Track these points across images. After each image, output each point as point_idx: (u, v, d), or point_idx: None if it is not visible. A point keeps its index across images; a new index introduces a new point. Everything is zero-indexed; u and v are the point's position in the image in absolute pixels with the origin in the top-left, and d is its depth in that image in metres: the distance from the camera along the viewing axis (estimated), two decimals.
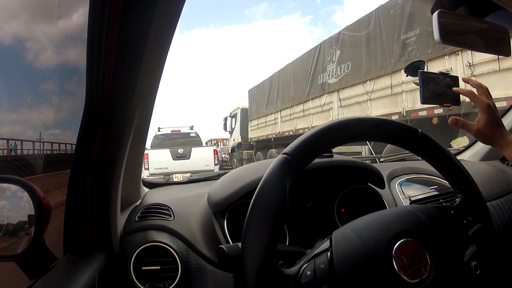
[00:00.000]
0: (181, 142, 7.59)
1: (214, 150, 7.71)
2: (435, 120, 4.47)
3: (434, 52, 4.48)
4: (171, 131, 8.09)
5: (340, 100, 6.63)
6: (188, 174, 5.87)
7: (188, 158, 7.21)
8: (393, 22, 5.25)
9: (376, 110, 5.64)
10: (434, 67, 4.45)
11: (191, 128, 8.22)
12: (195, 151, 7.36)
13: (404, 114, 5.00)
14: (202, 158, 7.23)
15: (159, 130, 8.14)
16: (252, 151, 11.36)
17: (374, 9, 5.76)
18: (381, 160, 1.41)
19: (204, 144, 7.94)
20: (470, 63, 4.08)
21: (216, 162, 7.44)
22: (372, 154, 4.53)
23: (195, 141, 7.78)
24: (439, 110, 4.39)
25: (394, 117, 5.10)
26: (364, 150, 5.80)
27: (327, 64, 7.06)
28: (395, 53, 5.18)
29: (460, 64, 4.20)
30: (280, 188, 0.48)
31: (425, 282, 0.46)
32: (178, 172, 6.71)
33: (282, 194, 0.47)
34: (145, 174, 6.67)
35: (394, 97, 5.24)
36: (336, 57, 6.77)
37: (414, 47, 4.84)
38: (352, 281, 0.45)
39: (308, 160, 0.51)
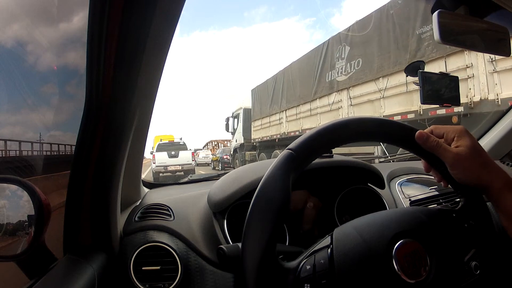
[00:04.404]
0: (173, 148, 12.42)
1: (192, 152, 12.84)
2: (455, 119, 4.23)
3: (453, 47, 4.40)
4: (168, 141, 13.55)
5: (350, 98, 6.33)
6: (179, 167, 11.75)
7: (177, 157, 12.01)
8: (407, 16, 4.99)
9: (389, 108, 5.39)
10: (453, 63, 4.29)
11: (180, 139, 13.75)
12: (181, 153, 12.19)
13: (421, 112, 4.72)
14: (185, 157, 12.20)
15: (161, 141, 13.18)
16: (255, 152, 11.21)
17: (386, 2, 5.53)
18: (381, 160, 1.41)
19: (189, 148, 12.92)
20: (492, 59, 3.86)
21: (193, 159, 12.82)
22: (385, 154, 4.35)
23: (182, 146, 12.68)
24: (459, 109, 4.12)
25: (410, 116, 4.89)
26: (377, 150, 5.54)
27: (336, 61, 6.77)
28: (410, 48, 4.91)
29: (481, 60, 3.98)
30: (284, 183, 0.48)
31: (425, 282, 0.46)
32: (171, 165, 11.72)
33: (285, 189, 0.47)
34: (152, 167, 11.87)
35: (410, 94, 4.93)
36: (346, 53, 6.48)
37: (431, 42, 4.56)
38: (351, 277, 0.45)
39: (311, 157, 0.51)
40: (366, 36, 5.91)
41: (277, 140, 9.35)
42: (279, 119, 9.30)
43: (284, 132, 8.99)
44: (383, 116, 5.35)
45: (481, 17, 0.77)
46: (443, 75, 0.84)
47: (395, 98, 5.29)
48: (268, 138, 9.96)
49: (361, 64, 6.05)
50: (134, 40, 0.52)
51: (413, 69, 0.87)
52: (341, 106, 6.64)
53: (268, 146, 10.22)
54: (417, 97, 4.73)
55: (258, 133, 10.79)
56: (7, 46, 0.76)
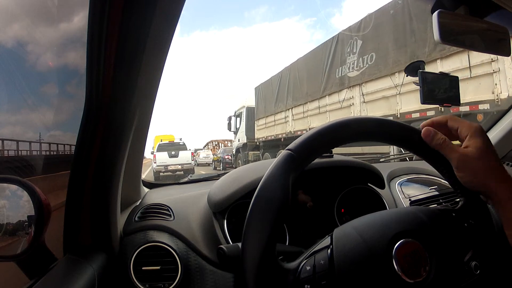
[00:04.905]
0: (173, 148, 12.98)
1: (191, 152, 13.49)
2: (480, 117, 3.97)
3: None
4: (168, 141, 14.17)
5: (362, 95, 5.98)
6: (179, 166, 12.41)
7: (177, 157, 12.54)
8: (424, 7, 4.63)
9: (406, 105, 5.09)
10: (476, 56, 4.05)
11: (180, 139, 14.40)
12: (181, 153, 12.72)
13: (442, 109, 4.37)
14: (185, 157, 12.72)
15: (161, 141, 13.68)
16: (258, 152, 10.86)
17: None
18: (381, 160, 1.41)
19: (188, 149, 13.51)
20: None
21: (193, 159, 13.56)
22: (401, 153, 4.06)
23: (182, 147, 13.22)
24: (484, 106, 3.90)
25: (430, 113, 4.59)
26: (392, 150, 5.13)
27: (347, 56, 6.39)
28: (429, 42, 4.62)
29: None
30: (284, 182, 0.48)
31: (425, 282, 0.46)
32: (172, 164, 12.27)
33: (285, 188, 0.47)
34: (153, 166, 12.43)
35: None
36: (357, 48, 6.12)
37: None
38: (351, 278, 0.45)
39: (311, 157, 0.52)
40: (380, 29, 5.59)
41: (282, 139, 8.97)
42: (285, 118, 8.93)
43: (290, 131, 8.60)
44: (400, 113, 5.15)
45: (481, 17, 0.77)
46: (443, 75, 0.84)
47: (413, 94, 4.88)
48: (273, 137, 9.57)
49: (375, 59, 5.70)
50: (134, 40, 0.52)
51: (413, 69, 0.87)
52: (352, 103, 6.26)
53: (272, 145, 9.82)
54: None
55: (262, 132, 10.39)
56: (7, 46, 0.76)
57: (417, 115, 4.84)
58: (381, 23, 5.58)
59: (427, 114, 4.68)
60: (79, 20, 0.61)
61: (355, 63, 6.19)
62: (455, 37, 0.75)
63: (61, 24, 0.76)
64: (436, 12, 0.70)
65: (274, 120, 9.57)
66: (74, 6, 0.74)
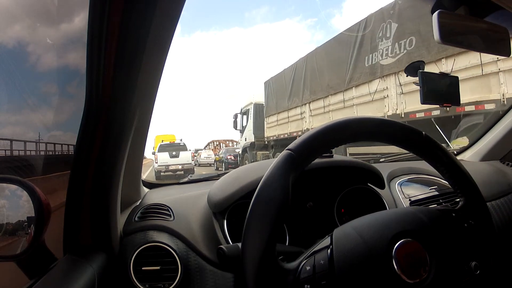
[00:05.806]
0: (174, 148, 13.39)
1: (192, 153, 13.99)
2: None
3: None
4: (169, 142, 14.78)
5: (400, 85, 5.11)
6: (180, 166, 12.77)
7: (178, 157, 12.87)
8: None
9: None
10: None
11: (181, 140, 15.14)
12: (181, 153, 13.10)
13: (505, 101, 3.68)
14: (185, 157, 13.08)
15: (162, 142, 14.21)
16: (268, 151, 9.84)
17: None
18: (381, 160, 1.41)
19: (189, 149, 13.89)
20: None
21: (193, 159, 14.03)
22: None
23: (183, 147, 13.61)
24: None
25: (489, 106, 3.84)
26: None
27: (379, 41, 5.54)
28: None
29: None
30: (283, 182, 0.48)
31: (425, 282, 0.46)
32: (172, 164, 12.63)
33: (285, 189, 0.48)
34: (155, 166, 12.80)
35: (486, 78, 3.83)
36: (392, 32, 5.29)
37: None
38: (351, 278, 0.45)
39: (311, 157, 0.52)
40: (420, 9, 4.59)
41: (298, 137, 8.13)
42: (301, 114, 7.98)
43: (307, 128, 7.55)
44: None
45: (481, 17, 0.77)
46: (443, 75, 0.84)
47: (466, 84, 3.88)
48: (286, 135, 8.55)
49: (415, 44, 4.86)
50: (134, 40, 0.52)
51: (413, 69, 0.87)
52: (387, 95, 5.40)
53: (285, 144, 8.39)
54: (496, 81, 3.81)
55: (274, 130, 9.37)
56: (7, 46, 0.76)
57: (471, 108, 4.01)
58: (422, 1, 5.00)
59: (485, 108, 3.91)
60: (79, 20, 0.61)
61: (390, 49, 5.32)
62: (455, 37, 0.75)
63: (61, 24, 0.76)
64: (436, 12, 0.70)
65: (288, 117, 8.60)
66: (74, 6, 0.74)
